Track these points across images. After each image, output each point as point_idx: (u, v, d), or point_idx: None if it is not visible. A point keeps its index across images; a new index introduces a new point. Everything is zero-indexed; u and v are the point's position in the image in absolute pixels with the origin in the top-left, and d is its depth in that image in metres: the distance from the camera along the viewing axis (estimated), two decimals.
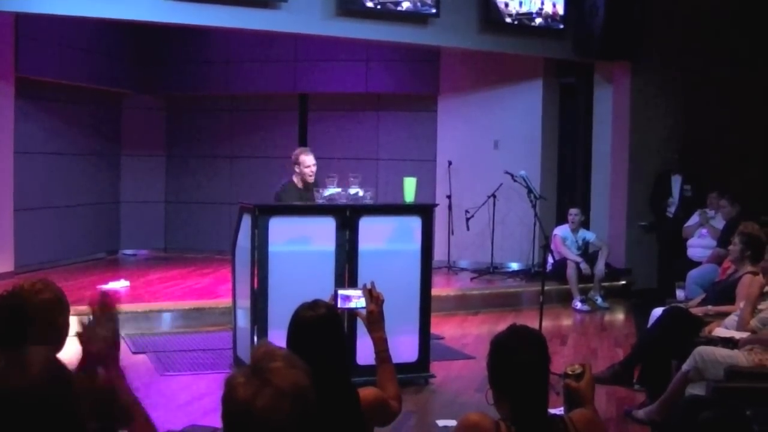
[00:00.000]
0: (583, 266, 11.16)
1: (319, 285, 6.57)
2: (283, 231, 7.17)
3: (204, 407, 6.68)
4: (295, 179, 8.55)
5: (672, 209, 11.75)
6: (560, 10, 11.85)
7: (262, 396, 1.93)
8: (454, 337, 9.29)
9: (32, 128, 11.61)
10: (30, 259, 11.36)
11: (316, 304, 3.44)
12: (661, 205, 11.89)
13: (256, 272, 7.04)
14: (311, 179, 8.46)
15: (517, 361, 2.98)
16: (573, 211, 11.57)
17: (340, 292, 3.87)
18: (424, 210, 7.66)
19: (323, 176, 7.91)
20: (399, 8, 10.77)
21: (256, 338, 6.97)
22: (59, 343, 3.25)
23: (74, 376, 3.04)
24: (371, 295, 3.80)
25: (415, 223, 7.50)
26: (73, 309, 3.35)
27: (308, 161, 8.49)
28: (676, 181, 11.85)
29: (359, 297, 3.82)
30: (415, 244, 7.46)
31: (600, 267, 11.26)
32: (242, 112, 13.99)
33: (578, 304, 11.00)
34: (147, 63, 13.66)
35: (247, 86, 13.69)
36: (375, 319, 3.77)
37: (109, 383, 3.21)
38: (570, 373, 3.21)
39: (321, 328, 3.32)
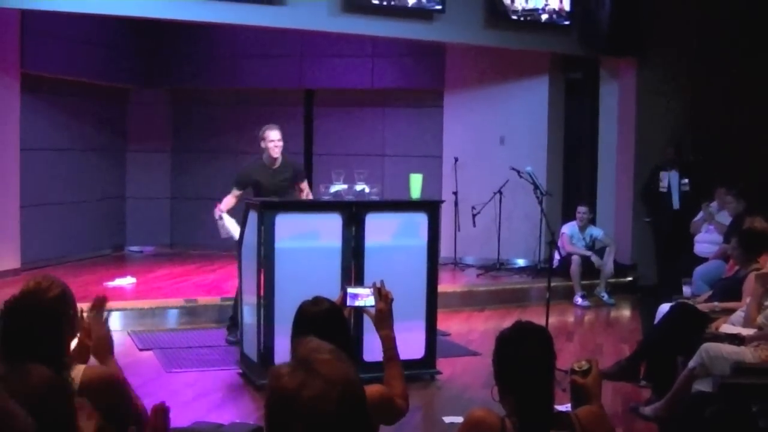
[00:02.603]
0: (594, 258, 11.18)
1: (326, 281, 6.60)
2: (289, 227, 7.17)
3: (210, 404, 6.69)
4: (264, 157, 8.62)
5: (665, 183, 11.73)
6: (566, 6, 11.83)
7: (311, 386, 1.90)
8: (461, 334, 9.28)
9: (38, 124, 11.63)
10: (36, 255, 11.37)
11: (318, 300, 3.44)
12: (651, 197, 11.91)
13: (262, 269, 7.04)
14: (275, 154, 8.53)
15: (522, 357, 2.98)
16: (581, 209, 11.55)
17: (349, 290, 3.87)
18: (430, 206, 7.66)
19: (329, 172, 7.92)
20: (405, 4, 10.77)
21: (263, 334, 6.97)
22: (73, 333, 3.39)
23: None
24: (380, 293, 3.79)
25: (421, 219, 7.50)
26: (78, 306, 3.41)
27: (272, 136, 8.57)
28: (673, 177, 11.83)
29: (368, 295, 3.82)
30: (422, 240, 7.46)
31: (609, 265, 11.29)
32: (248, 108, 13.97)
33: (579, 300, 11.00)
34: (152, 58, 13.67)
35: (252, 81, 13.69)
36: (384, 317, 3.76)
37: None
38: (577, 369, 3.20)
39: (325, 324, 3.31)
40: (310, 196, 8.47)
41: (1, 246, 10.86)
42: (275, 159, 8.54)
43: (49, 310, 3.17)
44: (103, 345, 3.57)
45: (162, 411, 3.33)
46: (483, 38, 11.61)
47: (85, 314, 3.55)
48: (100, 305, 3.66)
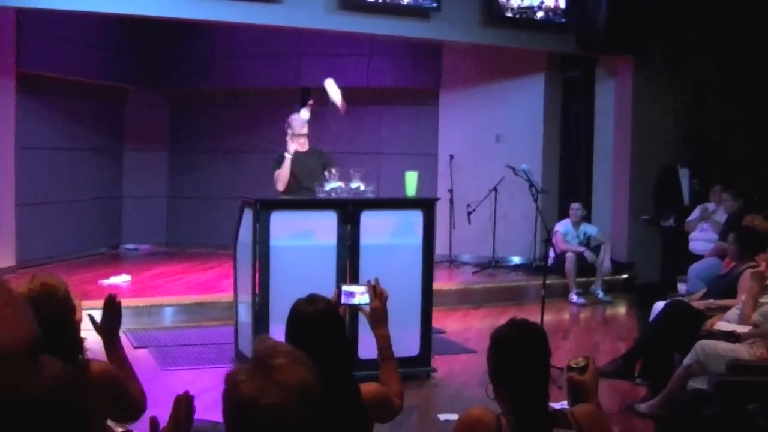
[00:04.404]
0: (588, 254, 11.20)
1: (321, 279, 6.59)
2: (284, 225, 7.17)
3: (206, 402, 6.64)
4: (290, 147, 8.56)
5: (671, 221, 11.78)
6: (562, 4, 11.83)
7: (268, 394, 1.89)
8: (456, 332, 9.28)
9: (34, 124, 11.60)
10: (32, 254, 11.35)
11: (313, 298, 3.42)
12: (670, 198, 11.92)
13: (257, 267, 7.04)
14: (304, 129, 8.60)
15: (516, 355, 2.97)
16: (574, 205, 11.58)
17: (344, 288, 3.85)
18: (425, 204, 7.65)
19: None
20: (401, 2, 10.76)
21: (258, 332, 6.97)
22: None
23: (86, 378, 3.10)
24: (375, 291, 3.78)
25: (416, 217, 7.49)
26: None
27: (296, 116, 8.72)
28: (684, 175, 11.85)
29: (363, 293, 3.80)
30: (417, 238, 7.45)
31: (606, 264, 11.31)
32: (245, 107, 13.97)
33: (574, 297, 11.01)
34: (149, 58, 13.65)
35: (249, 81, 13.68)
36: (379, 316, 3.75)
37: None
38: (573, 366, 3.19)
39: (320, 323, 3.29)
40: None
41: None
42: (303, 140, 8.54)
43: (60, 309, 3.19)
44: (109, 327, 3.71)
45: (185, 401, 3.24)
46: (479, 36, 11.61)
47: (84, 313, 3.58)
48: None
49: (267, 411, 1.88)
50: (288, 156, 8.39)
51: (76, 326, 3.35)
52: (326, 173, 7.57)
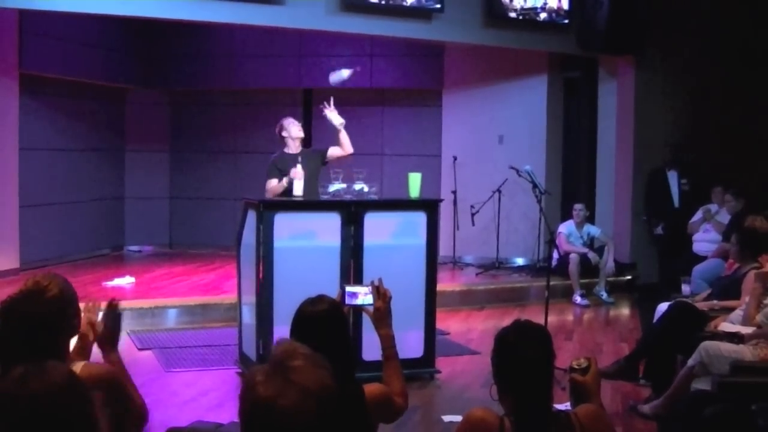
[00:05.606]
0: (592, 255, 11.19)
1: (325, 280, 6.58)
2: (288, 227, 7.17)
3: (209, 403, 6.68)
4: (286, 149, 8.42)
5: (659, 229, 11.79)
6: (565, 5, 11.82)
7: (286, 395, 1.89)
8: (460, 333, 9.28)
9: (36, 124, 11.62)
10: (35, 255, 11.36)
11: (319, 299, 3.43)
12: (658, 203, 11.91)
13: (261, 268, 7.04)
14: (299, 133, 8.48)
15: (520, 356, 2.97)
16: (577, 206, 11.56)
17: (348, 288, 3.86)
18: (429, 205, 7.66)
19: (328, 171, 7.93)
20: (403, 3, 10.76)
21: (261, 334, 6.97)
22: (74, 332, 3.39)
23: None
24: (378, 291, 3.79)
25: (420, 218, 7.50)
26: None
27: (292, 120, 8.58)
28: (672, 177, 11.84)
29: (366, 294, 3.81)
30: (420, 239, 7.46)
31: (610, 264, 11.29)
32: (246, 107, 13.98)
33: (578, 299, 11.00)
34: (151, 58, 13.67)
35: (251, 81, 13.68)
36: (382, 315, 3.76)
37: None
38: (576, 367, 3.19)
39: (324, 324, 3.31)
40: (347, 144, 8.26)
41: (0, 246, 10.87)
42: (297, 143, 8.40)
43: (47, 310, 3.15)
44: (109, 336, 3.57)
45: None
46: (481, 37, 11.60)
47: (83, 312, 3.53)
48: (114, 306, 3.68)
49: (284, 412, 1.88)
50: (285, 181, 8.03)
51: (67, 329, 3.31)
52: (331, 174, 7.56)
